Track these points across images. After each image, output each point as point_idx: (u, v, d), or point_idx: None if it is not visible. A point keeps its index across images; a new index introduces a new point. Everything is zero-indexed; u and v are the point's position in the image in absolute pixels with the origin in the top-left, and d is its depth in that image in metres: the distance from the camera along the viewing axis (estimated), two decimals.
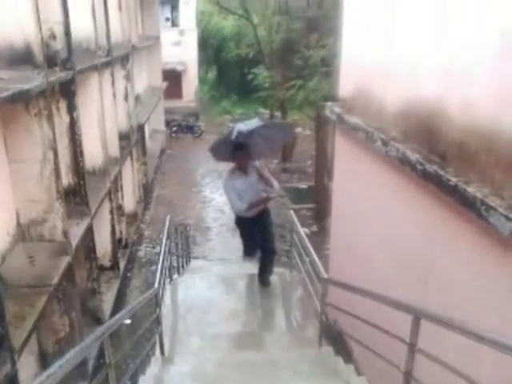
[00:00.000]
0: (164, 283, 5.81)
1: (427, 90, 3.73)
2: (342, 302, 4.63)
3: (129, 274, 9.42)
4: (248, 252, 6.35)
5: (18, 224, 5.00)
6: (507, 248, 2.70)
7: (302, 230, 6.28)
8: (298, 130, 21.35)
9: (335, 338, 5.16)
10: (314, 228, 12.10)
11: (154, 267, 8.86)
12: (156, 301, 4.69)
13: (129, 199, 10.59)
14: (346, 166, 5.87)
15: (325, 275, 4.67)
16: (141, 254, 10.67)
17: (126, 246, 9.58)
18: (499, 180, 2.89)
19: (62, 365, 2.36)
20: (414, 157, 3.74)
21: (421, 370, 3.03)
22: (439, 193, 3.35)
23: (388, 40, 4.43)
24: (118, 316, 3.62)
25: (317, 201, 12.79)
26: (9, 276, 4.35)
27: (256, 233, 5.97)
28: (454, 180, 3.17)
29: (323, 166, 12.55)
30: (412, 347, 2.90)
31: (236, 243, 8.25)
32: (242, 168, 5.61)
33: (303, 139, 19.42)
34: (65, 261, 4.92)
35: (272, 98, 17.17)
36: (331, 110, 5.95)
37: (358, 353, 5.12)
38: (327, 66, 11.12)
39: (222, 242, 11.37)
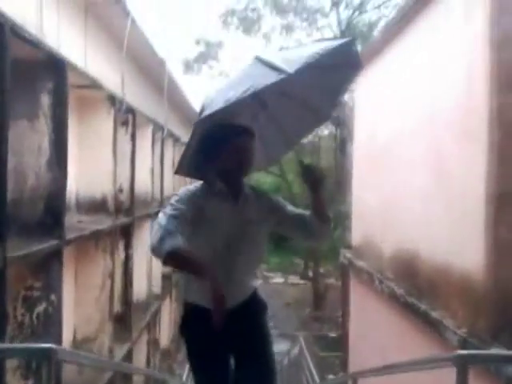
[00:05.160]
0: None
1: (408, 240, 4.80)
2: None
3: None
4: None
5: (74, 339, 5.94)
6: None
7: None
8: (331, 280, 22.01)
9: None
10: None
11: None
12: None
13: (164, 335, 11.32)
14: (358, 302, 6.73)
15: None
16: None
17: None
18: (454, 305, 3.76)
19: None
20: (399, 291, 4.66)
21: None
22: (415, 318, 4.21)
23: (380, 204, 5.68)
24: None
25: (343, 348, 13.01)
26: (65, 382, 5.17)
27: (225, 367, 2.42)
28: (423, 307, 4.05)
29: (348, 312, 13.04)
30: None
31: None
32: (230, 185, 2.34)
33: (336, 289, 19.96)
34: (108, 375, 5.71)
35: (304, 247, 18.42)
36: (344, 255, 7.02)
37: None
38: (348, 219, 12.47)
39: None
